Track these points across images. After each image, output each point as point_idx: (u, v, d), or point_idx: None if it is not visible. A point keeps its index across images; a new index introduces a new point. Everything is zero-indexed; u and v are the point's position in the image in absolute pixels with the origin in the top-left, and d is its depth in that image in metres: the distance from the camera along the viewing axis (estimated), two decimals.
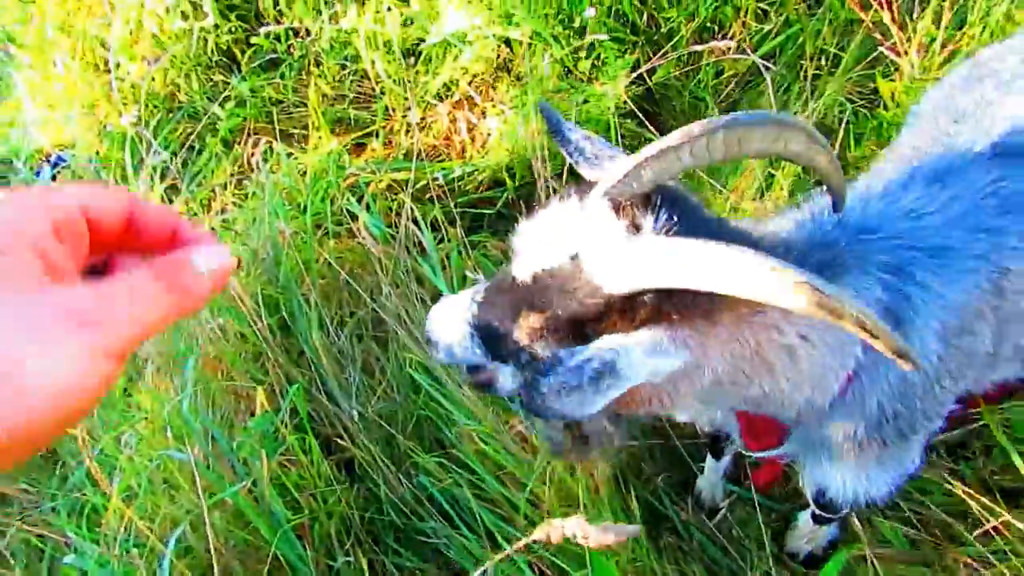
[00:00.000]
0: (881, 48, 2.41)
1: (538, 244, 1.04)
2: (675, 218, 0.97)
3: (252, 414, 1.95)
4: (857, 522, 1.77)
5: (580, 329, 1.00)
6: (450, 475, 1.90)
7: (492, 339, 1.11)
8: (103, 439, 1.66)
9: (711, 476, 1.99)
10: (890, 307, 1.20)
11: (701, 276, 0.88)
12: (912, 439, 1.37)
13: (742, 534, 1.90)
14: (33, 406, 0.43)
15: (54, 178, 3.56)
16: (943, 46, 2.36)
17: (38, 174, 3.62)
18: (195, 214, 3.04)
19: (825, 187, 1.16)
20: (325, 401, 2.06)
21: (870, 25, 2.45)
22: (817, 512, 1.74)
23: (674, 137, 0.95)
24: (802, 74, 2.65)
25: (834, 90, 2.53)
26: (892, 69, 2.52)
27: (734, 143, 0.98)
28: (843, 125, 2.53)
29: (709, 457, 1.95)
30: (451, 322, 1.14)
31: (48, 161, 3.66)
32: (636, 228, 0.97)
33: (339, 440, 2.01)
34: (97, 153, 3.33)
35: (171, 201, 3.02)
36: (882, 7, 2.40)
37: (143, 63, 3.31)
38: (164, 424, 1.62)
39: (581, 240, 0.98)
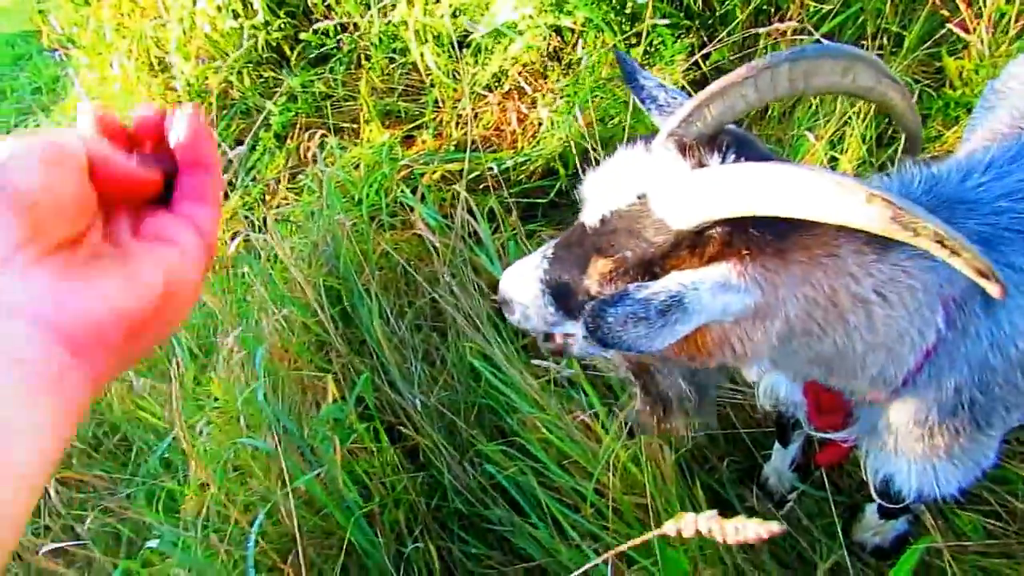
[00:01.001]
0: (948, 25, 2.33)
1: (605, 189, 1.03)
2: (743, 158, 0.95)
3: (317, 404, 1.98)
4: (929, 516, 1.73)
5: (650, 269, 0.99)
6: (514, 463, 1.90)
7: (564, 295, 1.10)
8: (178, 427, 1.70)
9: (778, 463, 1.96)
10: None
11: (767, 198, 0.86)
12: (988, 432, 1.32)
13: (811, 524, 1.87)
14: None
15: None
16: (1015, 21, 2.28)
17: None
18: (251, 208, 3.10)
19: (901, 131, 1.12)
20: (388, 390, 2.08)
21: (936, 2, 2.37)
22: (881, 504, 1.69)
23: (738, 72, 0.94)
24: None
25: (898, 70, 2.46)
26: (959, 47, 2.44)
27: (799, 77, 0.96)
28: None
29: (777, 444, 1.92)
30: (524, 282, 1.14)
31: None
32: (702, 167, 0.96)
33: (403, 429, 2.02)
34: None
35: (227, 196, 3.08)
36: None
37: (196, 62, 3.38)
38: (237, 414, 1.65)
39: (648, 180, 0.97)
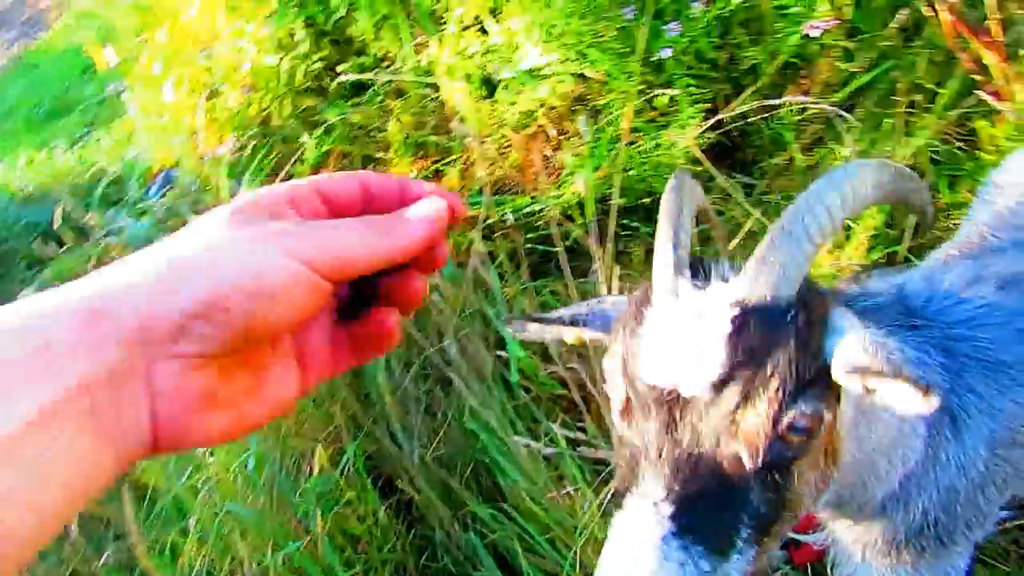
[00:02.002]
0: (978, 92, 2.24)
1: (680, 349, 0.87)
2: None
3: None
4: None
5: (813, 348, 0.88)
6: (503, 527, 1.95)
7: (711, 508, 0.83)
8: (180, 483, 1.80)
9: None
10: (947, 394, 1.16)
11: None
12: (952, 548, 1.32)
13: None
14: (237, 284, 0.47)
15: (163, 196, 3.85)
16: None
17: (147, 191, 3.93)
18: None
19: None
20: (388, 443, 2.16)
21: (969, 66, 2.28)
22: None
23: (666, 200, 1.01)
24: (894, 110, 2.50)
25: (930, 131, 2.37)
26: (995, 110, 2.34)
27: (687, 194, 1.03)
28: (938, 167, 2.38)
29: None
30: (647, 549, 0.80)
31: (156, 179, 3.96)
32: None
33: (399, 483, 2.09)
34: (198, 176, 3.57)
35: None
36: (987, 46, 2.22)
37: (241, 91, 3.51)
38: (235, 475, 1.75)
39: (717, 295, 0.89)
